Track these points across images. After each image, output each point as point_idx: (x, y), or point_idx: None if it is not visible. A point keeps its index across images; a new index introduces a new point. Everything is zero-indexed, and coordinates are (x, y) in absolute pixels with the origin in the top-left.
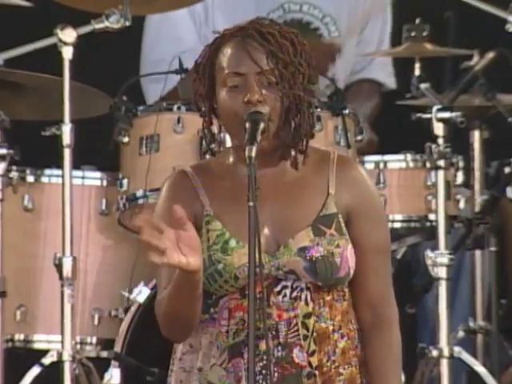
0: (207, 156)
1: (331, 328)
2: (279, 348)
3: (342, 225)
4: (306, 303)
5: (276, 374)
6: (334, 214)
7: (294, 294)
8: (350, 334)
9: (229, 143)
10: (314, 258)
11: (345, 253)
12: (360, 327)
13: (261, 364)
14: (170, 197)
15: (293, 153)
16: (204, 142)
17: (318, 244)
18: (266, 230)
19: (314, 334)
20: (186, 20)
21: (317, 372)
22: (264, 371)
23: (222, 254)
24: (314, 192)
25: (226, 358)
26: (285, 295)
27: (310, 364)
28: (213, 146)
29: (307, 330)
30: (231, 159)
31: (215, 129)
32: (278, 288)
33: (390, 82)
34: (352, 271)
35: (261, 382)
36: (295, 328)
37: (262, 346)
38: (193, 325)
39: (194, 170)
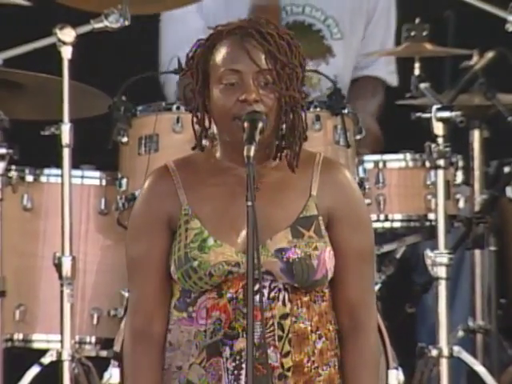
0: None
1: (309, 329)
2: (260, 347)
3: (322, 227)
4: (284, 304)
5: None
6: (314, 215)
7: (272, 294)
8: (328, 334)
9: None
10: (290, 260)
11: (322, 255)
12: (339, 330)
13: (233, 364)
14: (148, 198)
15: (288, 155)
16: (203, 141)
17: (296, 246)
18: (245, 230)
19: (290, 334)
20: (196, 18)
21: (289, 373)
22: (236, 371)
23: (198, 251)
24: (295, 193)
25: (205, 357)
26: (262, 295)
27: (282, 365)
28: (204, 141)
29: (282, 330)
30: (217, 156)
31: (207, 124)
32: (255, 288)
33: (392, 79)
34: (330, 273)
35: (233, 382)
36: (271, 328)
37: (237, 346)
38: None
39: (176, 165)
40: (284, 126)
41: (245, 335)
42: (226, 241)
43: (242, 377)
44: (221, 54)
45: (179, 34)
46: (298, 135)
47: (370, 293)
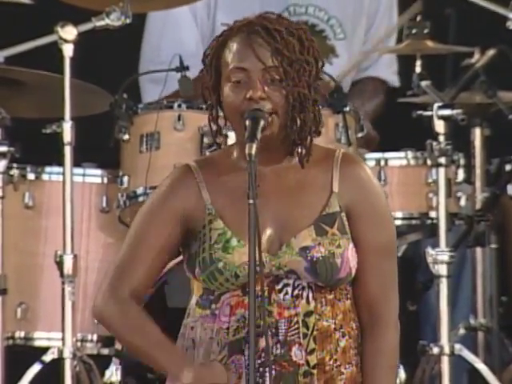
0: (207, 152)
1: (333, 327)
2: (278, 346)
3: (345, 223)
4: (308, 302)
5: (273, 372)
6: (336, 212)
7: (296, 292)
8: (352, 332)
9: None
10: (314, 259)
11: (346, 253)
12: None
13: (259, 361)
14: (167, 193)
15: (299, 150)
16: (205, 138)
17: (320, 244)
18: (268, 229)
19: (315, 332)
20: (188, 21)
21: (314, 371)
22: (262, 369)
23: (223, 252)
24: (317, 190)
25: (226, 355)
26: (286, 293)
27: (307, 363)
28: (219, 139)
29: (307, 328)
30: (235, 155)
31: (222, 122)
32: (280, 286)
33: (394, 79)
34: (354, 271)
35: (258, 379)
36: (295, 326)
37: (262, 343)
38: None
39: (198, 164)
40: (298, 122)
41: (269, 332)
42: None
43: (267, 373)
44: (230, 52)
45: (174, 38)
46: (308, 131)
47: (391, 289)
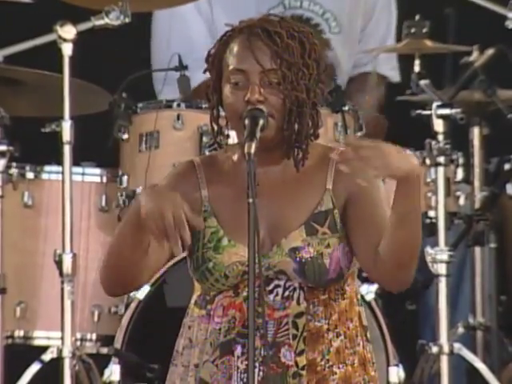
0: (206, 151)
1: (326, 327)
2: (266, 347)
3: (337, 221)
4: (298, 303)
5: (261, 373)
6: (328, 210)
7: (286, 293)
8: (348, 332)
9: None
10: (303, 260)
11: (335, 253)
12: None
13: (246, 363)
14: (171, 184)
15: (295, 153)
16: (204, 137)
17: (309, 244)
18: (261, 230)
19: (304, 333)
20: (194, 16)
21: (303, 372)
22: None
23: (213, 252)
24: (311, 189)
25: (218, 355)
26: (277, 294)
27: (296, 364)
28: (220, 139)
29: (297, 329)
30: (237, 155)
31: (223, 122)
32: (270, 287)
33: (395, 75)
34: (347, 270)
35: (245, 380)
36: (285, 327)
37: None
38: (132, 278)
39: (202, 161)
40: (295, 125)
41: (258, 334)
42: (240, 241)
43: (255, 375)
44: (230, 53)
45: (183, 33)
46: (305, 135)
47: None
